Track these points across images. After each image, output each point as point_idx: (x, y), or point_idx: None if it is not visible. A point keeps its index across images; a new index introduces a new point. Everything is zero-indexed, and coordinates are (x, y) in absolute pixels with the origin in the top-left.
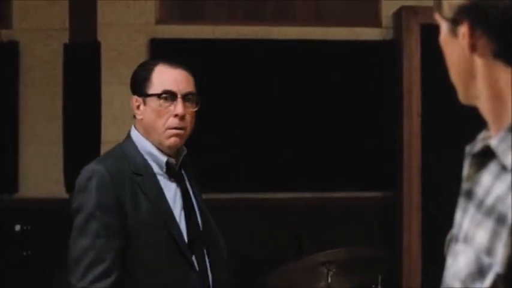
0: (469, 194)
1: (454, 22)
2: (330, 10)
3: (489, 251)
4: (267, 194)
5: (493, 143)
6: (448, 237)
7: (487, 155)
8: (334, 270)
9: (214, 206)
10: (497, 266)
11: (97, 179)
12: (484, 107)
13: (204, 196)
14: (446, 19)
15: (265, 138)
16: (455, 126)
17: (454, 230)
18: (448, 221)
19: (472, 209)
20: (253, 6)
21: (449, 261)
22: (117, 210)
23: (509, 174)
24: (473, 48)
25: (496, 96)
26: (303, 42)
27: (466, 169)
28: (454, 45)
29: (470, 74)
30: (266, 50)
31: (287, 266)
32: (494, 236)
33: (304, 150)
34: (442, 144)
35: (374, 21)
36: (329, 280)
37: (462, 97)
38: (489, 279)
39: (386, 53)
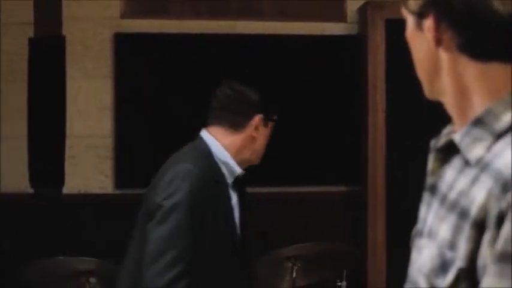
0: (433, 189)
1: (420, 16)
2: (296, 5)
3: (452, 245)
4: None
5: (457, 137)
6: (414, 232)
7: (450, 150)
8: (299, 265)
9: None
10: (459, 260)
11: (193, 180)
12: (449, 101)
13: None
14: (412, 13)
15: None
16: (420, 121)
17: (419, 225)
18: (413, 216)
19: (436, 203)
20: (219, 1)
21: (414, 256)
22: (203, 215)
23: (473, 168)
24: (438, 42)
25: (461, 91)
26: (268, 37)
27: (430, 164)
28: (420, 39)
29: (435, 69)
30: (231, 44)
31: (253, 261)
32: (456, 230)
33: (270, 145)
34: (406, 138)
35: (339, 16)
36: (294, 275)
37: (428, 92)
38: (451, 274)
39: (351, 48)
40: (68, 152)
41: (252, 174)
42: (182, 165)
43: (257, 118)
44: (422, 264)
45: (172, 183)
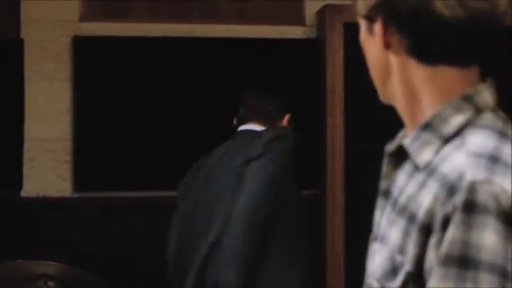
0: (387, 194)
1: (370, 20)
2: (254, 8)
3: (402, 249)
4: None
5: (406, 142)
6: (371, 236)
7: (402, 154)
8: None
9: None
10: (407, 264)
11: None
12: (400, 105)
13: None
14: (363, 17)
15: (186, 136)
16: (378, 124)
17: (374, 229)
18: (371, 220)
19: (388, 208)
20: (178, 4)
21: (368, 261)
22: None
23: (421, 173)
24: (387, 45)
25: (411, 95)
26: (227, 41)
27: (384, 168)
28: (372, 43)
29: (386, 72)
30: (190, 48)
31: None
32: (405, 234)
33: None
34: (365, 142)
35: (297, 19)
36: None
37: (381, 96)
38: (400, 277)
39: (310, 52)
40: (26, 155)
41: None
42: None
43: (287, 117)
44: (374, 269)
45: None
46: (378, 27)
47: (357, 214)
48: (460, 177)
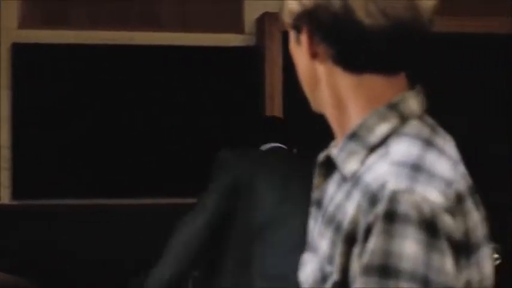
0: (318, 204)
1: (296, 29)
2: (194, 16)
3: (330, 259)
4: (113, 200)
5: (334, 152)
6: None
7: (331, 165)
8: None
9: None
10: (335, 274)
11: None
12: (329, 114)
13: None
14: (290, 27)
15: (125, 143)
16: (317, 132)
17: (308, 239)
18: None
19: (320, 218)
20: (117, 12)
21: (300, 270)
22: None
23: (348, 183)
24: (313, 55)
25: (338, 104)
26: (167, 48)
27: (315, 178)
28: (300, 52)
29: (315, 81)
30: (129, 55)
31: None
32: (333, 244)
33: (168, 156)
34: (305, 149)
35: (237, 27)
36: None
37: (312, 105)
38: (328, 287)
39: (249, 59)
40: None
41: (142, 186)
42: None
43: None
44: (306, 278)
45: None
46: (303, 36)
47: None
48: (382, 186)
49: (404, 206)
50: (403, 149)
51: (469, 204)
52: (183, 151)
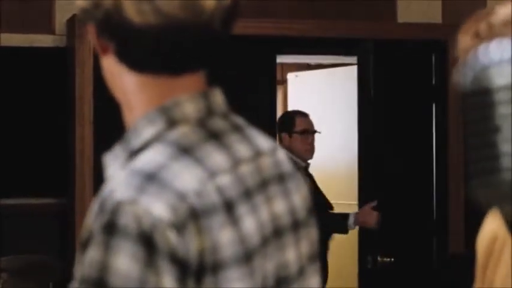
0: None
1: (84, 23)
2: (6, 16)
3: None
4: None
5: (106, 154)
6: None
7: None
8: (5, 277)
9: None
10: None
11: None
12: (124, 114)
13: None
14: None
15: None
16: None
17: None
18: None
19: None
20: None
21: None
22: None
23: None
24: (103, 50)
25: (127, 103)
26: None
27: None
28: (99, 49)
29: (111, 79)
30: None
31: None
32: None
33: None
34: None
35: (47, 28)
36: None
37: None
38: None
39: (60, 61)
40: None
41: None
42: None
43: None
44: None
45: None
46: (90, 31)
47: None
48: (110, 196)
49: (125, 219)
50: (148, 157)
51: (218, 222)
52: None
